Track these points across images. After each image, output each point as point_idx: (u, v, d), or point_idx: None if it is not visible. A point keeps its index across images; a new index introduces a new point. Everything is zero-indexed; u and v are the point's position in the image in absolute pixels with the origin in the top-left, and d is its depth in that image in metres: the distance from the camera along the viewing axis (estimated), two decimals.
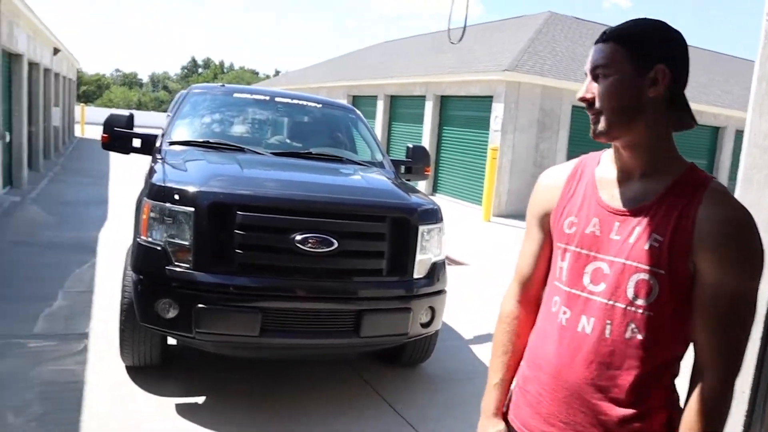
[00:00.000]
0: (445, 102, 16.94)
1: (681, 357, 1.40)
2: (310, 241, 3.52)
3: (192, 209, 3.44)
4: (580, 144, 15.20)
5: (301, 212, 3.58)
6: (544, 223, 1.57)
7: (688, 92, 1.44)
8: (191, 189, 3.50)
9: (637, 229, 1.35)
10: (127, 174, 14.61)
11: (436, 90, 16.85)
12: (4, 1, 10.01)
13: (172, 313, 3.45)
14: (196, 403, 3.78)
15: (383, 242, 3.80)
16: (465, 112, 16.08)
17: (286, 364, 4.46)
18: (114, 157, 18.17)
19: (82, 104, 33.85)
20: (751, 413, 2.44)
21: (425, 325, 4.02)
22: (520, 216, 14.38)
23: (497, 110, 14.21)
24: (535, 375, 1.50)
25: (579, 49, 17.09)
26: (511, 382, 1.62)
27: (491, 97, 14.51)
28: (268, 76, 72.06)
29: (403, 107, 19.19)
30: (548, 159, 14.79)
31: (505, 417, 1.61)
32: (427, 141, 17.01)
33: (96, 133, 28.41)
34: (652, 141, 1.38)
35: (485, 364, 4.88)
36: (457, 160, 16.21)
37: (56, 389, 3.78)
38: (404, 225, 3.87)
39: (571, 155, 15.00)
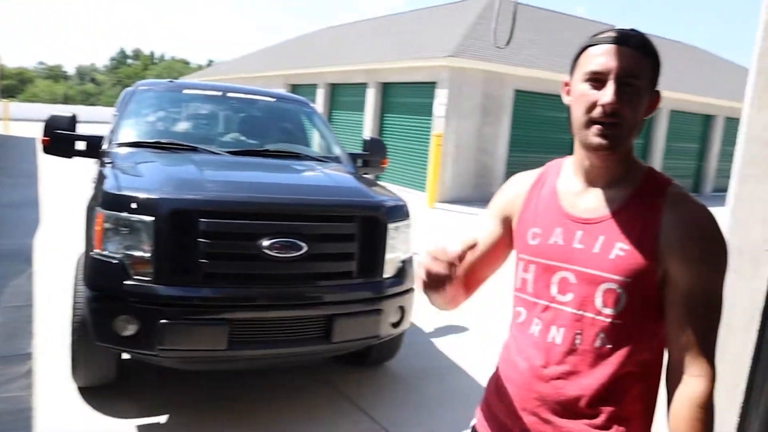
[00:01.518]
0: (387, 89, 16.81)
1: (653, 364, 1.39)
2: (278, 246, 3.35)
3: (151, 218, 3.20)
4: (522, 128, 15.40)
5: (268, 216, 3.40)
6: (504, 224, 1.57)
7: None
8: (150, 196, 3.25)
9: (602, 237, 1.35)
10: (57, 173, 13.90)
11: (378, 77, 16.71)
12: None
13: (131, 331, 3.21)
14: (158, 423, 3.56)
15: (353, 243, 3.65)
16: (408, 99, 16.01)
17: (249, 373, 4.27)
18: (42, 155, 17.23)
19: (5, 100, 31.87)
20: (746, 406, 2.44)
21: (396, 325, 3.92)
22: (464, 201, 14.46)
23: (441, 96, 14.19)
24: (504, 389, 1.49)
25: (520, 33, 17.17)
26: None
27: (434, 83, 14.47)
28: (200, 66, 70.01)
29: (344, 95, 18.97)
30: (491, 144, 14.90)
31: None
32: (369, 129, 16.88)
33: (22, 130, 27.00)
34: (629, 151, 1.39)
35: (451, 359, 4.82)
36: (400, 147, 16.14)
37: (3, 420, 3.48)
38: (373, 224, 3.74)
39: (513, 139, 15.24)
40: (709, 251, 1.31)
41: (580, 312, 1.35)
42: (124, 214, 3.23)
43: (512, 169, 15.43)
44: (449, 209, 13.30)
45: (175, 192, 3.34)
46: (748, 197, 2.47)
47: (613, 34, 1.32)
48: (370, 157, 5.48)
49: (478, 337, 5.38)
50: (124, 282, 3.20)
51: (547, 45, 16.90)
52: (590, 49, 1.34)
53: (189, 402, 3.81)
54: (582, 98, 1.33)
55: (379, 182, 4.71)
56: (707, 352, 1.31)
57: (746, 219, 2.46)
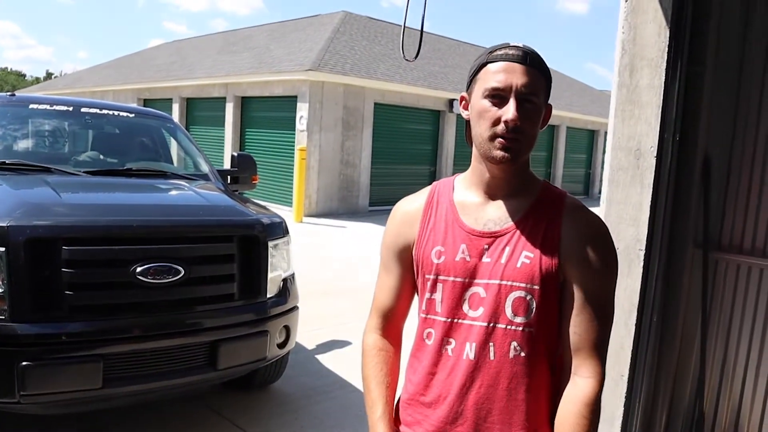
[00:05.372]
0: (247, 103, 16.47)
1: (555, 369, 1.43)
2: (152, 271, 3.12)
3: (2, 249, 2.86)
4: (383, 140, 15.70)
5: (140, 240, 3.15)
6: (404, 257, 1.53)
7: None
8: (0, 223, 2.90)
9: (507, 248, 1.38)
10: None
11: (236, 91, 16.33)
12: None
13: None
14: None
15: (233, 264, 3.49)
16: (269, 113, 15.78)
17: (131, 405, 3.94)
18: None
19: None
20: (630, 393, 2.60)
21: (281, 346, 3.80)
22: (331, 214, 14.48)
23: (302, 110, 14.12)
24: (423, 415, 1.46)
25: (376, 48, 17.59)
26: (391, 414, 1.53)
27: (295, 97, 14.38)
28: (38, 79, 64.68)
29: (201, 110, 18.34)
30: (354, 156, 15.05)
31: None
32: (229, 144, 16.45)
33: None
34: (526, 164, 1.44)
35: (338, 375, 4.75)
36: (263, 162, 15.82)
37: None
38: (253, 242, 3.60)
39: (375, 152, 15.50)
40: (606, 259, 1.39)
41: (492, 324, 1.36)
42: None
43: (376, 180, 15.69)
44: (317, 223, 13.24)
45: (29, 218, 3.00)
46: (620, 200, 2.64)
47: (511, 51, 1.35)
48: (240, 173, 5.30)
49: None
50: None
51: (400, 59, 17.39)
52: (489, 65, 1.36)
53: None
54: (484, 114, 1.35)
55: (249, 199, 4.57)
56: (599, 354, 1.37)
57: (619, 221, 2.63)
